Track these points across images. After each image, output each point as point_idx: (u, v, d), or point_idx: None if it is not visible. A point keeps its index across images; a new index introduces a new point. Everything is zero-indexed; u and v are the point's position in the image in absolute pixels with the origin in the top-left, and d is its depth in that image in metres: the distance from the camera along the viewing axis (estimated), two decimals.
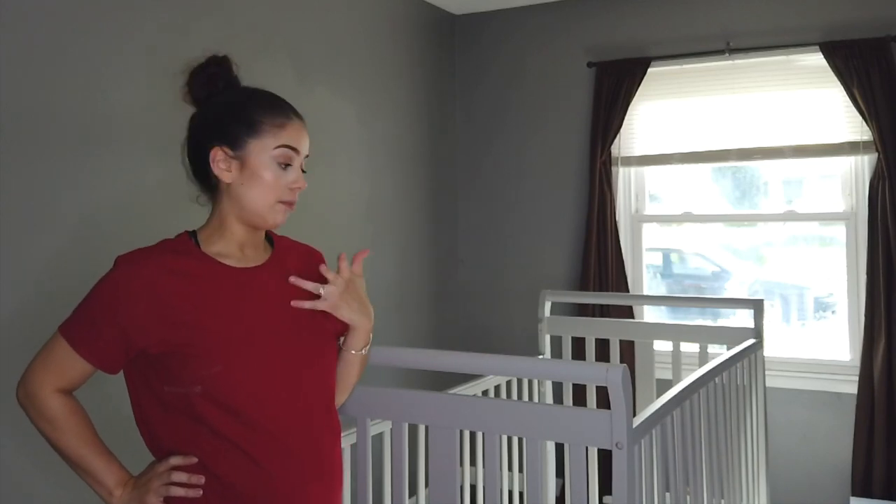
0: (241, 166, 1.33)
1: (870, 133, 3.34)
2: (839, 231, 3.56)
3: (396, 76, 3.78)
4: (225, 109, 1.36)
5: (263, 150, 1.33)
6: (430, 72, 4.05)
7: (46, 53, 2.14)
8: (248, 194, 1.34)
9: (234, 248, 1.37)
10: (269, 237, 1.48)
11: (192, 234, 1.38)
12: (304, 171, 1.40)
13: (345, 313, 1.41)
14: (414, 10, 3.93)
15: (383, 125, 3.67)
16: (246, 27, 2.81)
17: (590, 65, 3.89)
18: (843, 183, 3.54)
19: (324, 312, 1.41)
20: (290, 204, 1.37)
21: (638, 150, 3.87)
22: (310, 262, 1.48)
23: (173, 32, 2.51)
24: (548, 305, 3.28)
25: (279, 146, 1.33)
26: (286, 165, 1.35)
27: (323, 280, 1.41)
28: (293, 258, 1.47)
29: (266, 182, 1.33)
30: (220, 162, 1.33)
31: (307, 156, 1.40)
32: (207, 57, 1.40)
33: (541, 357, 3.19)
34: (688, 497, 1.98)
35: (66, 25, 2.19)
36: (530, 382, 3.05)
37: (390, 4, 3.75)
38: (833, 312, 3.64)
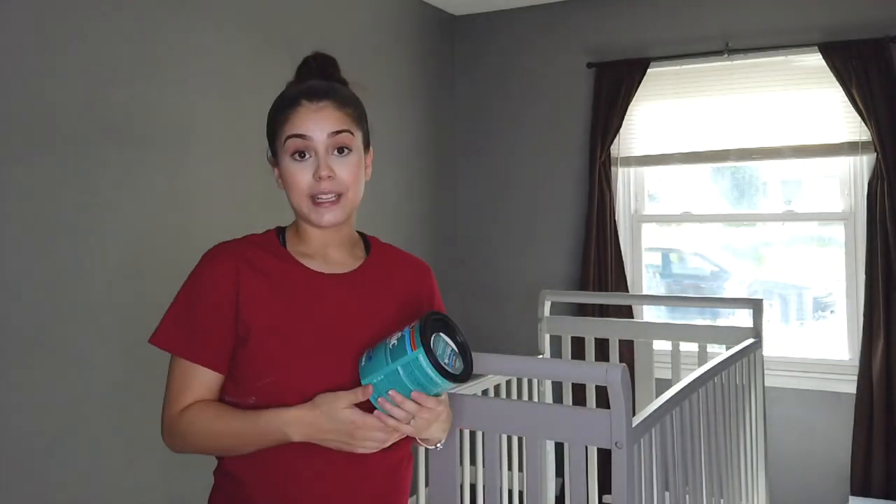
0: (278, 172, 1.28)
1: (868, 133, 3.34)
2: (838, 231, 3.57)
3: (396, 76, 3.79)
4: (270, 113, 1.31)
5: (280, 148, 1.26)
6: (430, 72, 4.06)
7: (47, 52, 2.14)
8: (288, 198, 1.27)
9: (317, 248, 1.30)
10: (367, 241, 1.40)
11: (280, 232, 1.33)
12: (344, 152, 1.24)
13: (431, 434, 1.26)
14: (414, 11, 3.94)
15: (383, 125, 3.68)
16: (246, 27, 2.81)
17: (589, 65, 3.89)
18: (841, 183, 3.55)
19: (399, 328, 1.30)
20: (327, 200, 1.23)
21: (637, 151, 3.88)
22: (415, 277, 1.40)
23: (173, 32, 2.52)
24: (547, 305, 3.28)
25: (286, 139, 1.24)
26: (301, 155, 1.24)
27: (427, 292, 1.38)
28: (391, 270, 1.37)
29: (292, 181, 1.25)
30: (273, 170, 1.31)
31: (337, 132, 1.24)
32: (314, 53, 1.34)
33: (540, 357, 3.20)
34: (687, 496, 1.98)
35: (67, 25, 2.20)
36: (530, 382, 3.06)
37: (390, 4, 3.75)
38: (832, 312, 3.65)
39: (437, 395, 1.21)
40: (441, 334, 1.20)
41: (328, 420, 1.17)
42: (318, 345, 1.23)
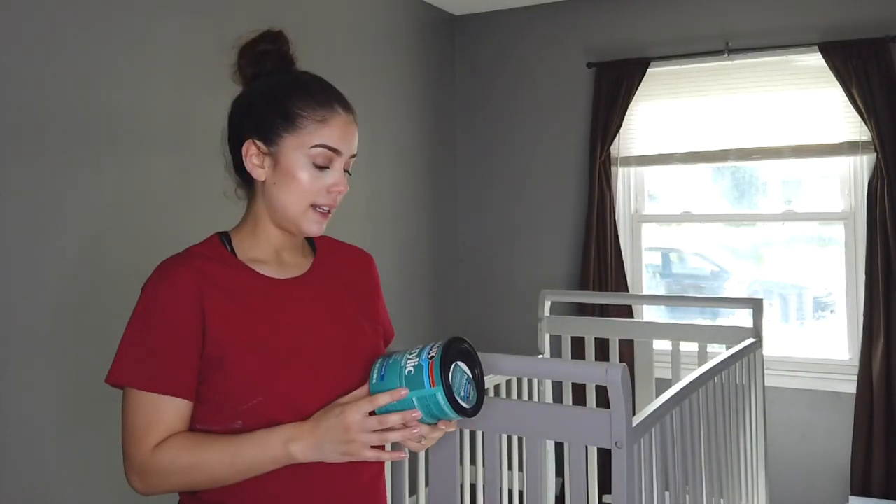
0: (274, 163, 1.17)
1: (868, 133, 3.34)
2: (838, 231, 3.57)
3: (396, 76, 3.79)
4: (262, 97, 1.20)
5: (299, 147, 1.16)
6: (430, 72, 4.06)
7: (46, 53, 2.14)
8: (280, 196, 1.17)
9: (270, 253, 1.22)
10: (310, 238, 1.32)
11: (224, 238, 1.23)
12: (348, 174, 1.21)
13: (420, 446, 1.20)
14: (414, 10, 3.94)
15: (383, 125, 3.68)
16: (246, 27, 2.81)
17: (589, 65, 3.89)
18: (841, 183, 3.55)
19: (373, 327, 1.29)
20: (326, 211, 1.20)
21: (637, 150, 3.88)
22: (363, 268, 1.35)
23: (173, 32, 2.52)
24: (547, 305, 3.28)
25: (317, 145, 1.16)
26: (323, 168, 1.17)
27: (375, 284, 1.35)
28: (341, 264, 1.31)
29: (300, 184, 1.16)
30: (253, 157, 1.18)
31: (354, 155, 1.22)
32: (260, 32, 1.25)
33: (540, 356, 3.20)
34: (687, 496, 1.98)
35: (67, 24, 2.20)
36: (530, 382, 3.06)
37: (390, 4, 3.75)
38: (832, 312, 3.65)
39: None
40: (459, 363, 1.16)
41: (324, 422, 1.10)
42: (293, 356, 1.16)
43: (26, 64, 2.08)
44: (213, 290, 1.14)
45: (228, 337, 1.13)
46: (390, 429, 1.10)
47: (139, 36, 2.40)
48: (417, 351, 1.14)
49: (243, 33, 1.26)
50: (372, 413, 1.10)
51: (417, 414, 1.10)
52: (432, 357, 1.12)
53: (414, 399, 1.10)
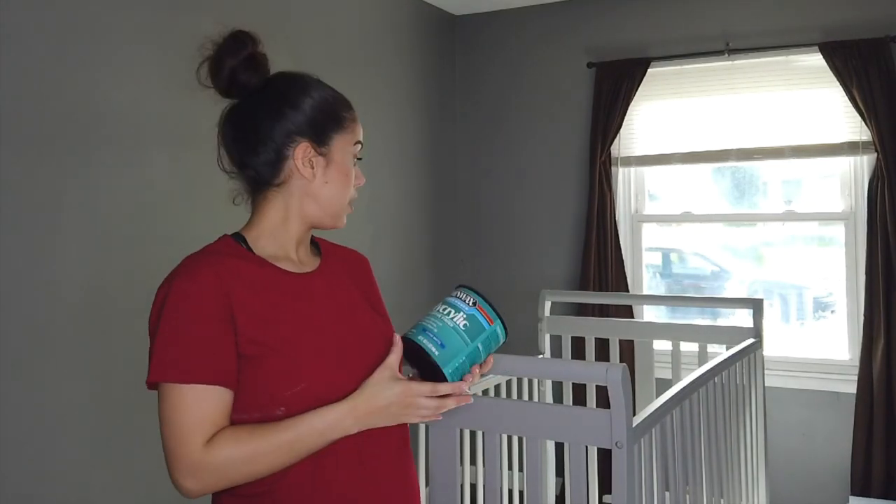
0: (326, 163, 1.24)
1: (869, 133, 3.34)
2: (838, 231, 3.57)
3: (396, 76, 3.79)
4: (310, 102, 1.24)
5: (346, 145, 1.27)
6: (430, 72, 4.06)
7: (46, 53, 2.14)
8: (331, 193, 1.26)
9: (288, 250, 1.26)
10: (312, 239, 1.38)
11: (239, 238, 1.25)
12: None
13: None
14: (414, 10, 3.94)
15: (383, 125, 3.68)
16: (245, 27, 2.81)
17: (590, 65, 3.89)
18: (842, 183, 3.55)
19: (383, 318, 1.35)
20: (353, 205, 1.32)
21: (638, 150, 3.88)
22: (361, 268, 1.42)
23: (173, 30, 2.52)
24: (548, 305, 3.28)
25: (357, 142, 1.29)
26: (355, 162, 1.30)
27: (372, 281, 1.41)
28: (342, 262, 1.38)
29: (349, 180, 1.28)
30: (309, 157, 1.23)
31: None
32: (230, 38, 1.27)
33: (541, 356, 3.20)
34: (687, 496, 1.98)
35: (65, 24, 2.20)
36: (530, 382, 3.06)
37: (390, 4, 3.75)
38: (832, 312, 3.65)
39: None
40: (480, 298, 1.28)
41: (383, 398, 1.18)
42: (326, 341, 1.21)
43: (24, 64, 2.08)
44: (238, 284, 1.15)
45: (260, 329, 1.15)
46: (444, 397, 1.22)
47: (138, 35, 2.40)
48: (444, 310, 1.24)
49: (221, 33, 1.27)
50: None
51: (468, 392, 1.25)
52: (475, 303, 1.24)
53: (480, 345, 1.23)
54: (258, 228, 1.25)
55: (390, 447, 1.27)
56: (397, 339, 1.24)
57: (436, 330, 1.21)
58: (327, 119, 1.25)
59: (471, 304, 1.23)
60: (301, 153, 1.22)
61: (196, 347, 1.10)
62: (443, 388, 1.20)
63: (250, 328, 1.14)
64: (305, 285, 1.25)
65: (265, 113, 1.23)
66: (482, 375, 1.32)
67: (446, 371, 1.20)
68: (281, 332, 1.16)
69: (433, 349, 1.20)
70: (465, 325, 1.21)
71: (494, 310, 1.24)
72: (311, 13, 3.19)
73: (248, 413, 1.14)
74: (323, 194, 1.25)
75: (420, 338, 1.21)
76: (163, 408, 1.10)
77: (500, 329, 1.24)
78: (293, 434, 1.12)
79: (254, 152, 1.23)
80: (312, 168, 1.23)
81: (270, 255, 1.24)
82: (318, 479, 1.18)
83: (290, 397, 1.14)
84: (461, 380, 1.22)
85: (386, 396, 1.18)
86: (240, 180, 1.27)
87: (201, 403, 1.09)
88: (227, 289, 1.14)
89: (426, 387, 1.20)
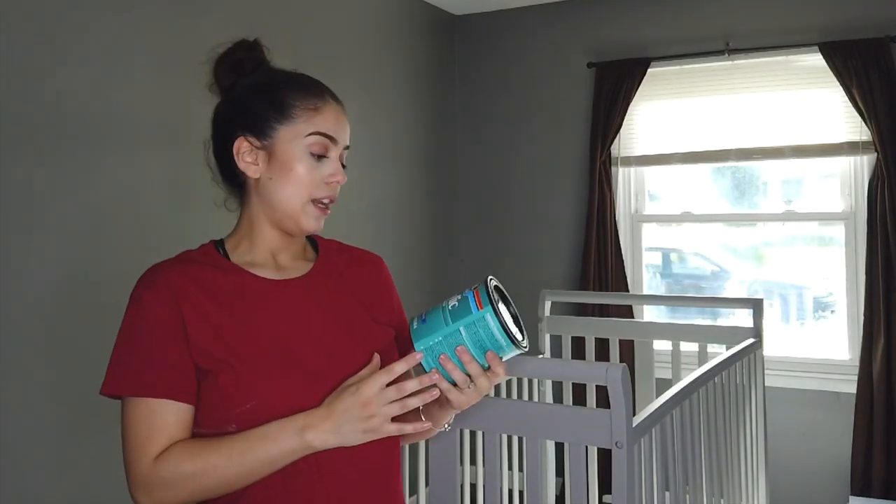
0: (268, 157, 1.14)
1: (869, 133, 3.34)
2: (838, 231, 3.57)
3: (396, 76, 3.79)
4: (249, 92, 1.17)
5: (295, 137, 1.14)
6: (430, 72, 4.06)
7: (42, 52, 2.14)
8: (278, 190, 1.14)
9: (266, 256, 1.18)
10: (314, 241, 1.28)
11: (219, 244, 1.20)
12: (343, 166, 1.19)
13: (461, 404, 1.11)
14: (414, 10, 3.94)
15: (383, 125, 3.68)
16: (246, 27, 2.81)
17: (590, 65, 3.89)
18: (842, 183, 3.55)
19: (382, 329, 1.22)
20: (325, 205, 1.17)
21: (638, 150, 3.88)
22: (370, 271, 1.30)
23: (173, 32, 2.52)
24: (548, 305, 3.28)
25: (312, 133, 1.14)
26: (321, 157, 1.15)
27: (385, 285, 1.28)
28: (346, 267, 1.27)
29: (298, 175, 1.14)
30: (246, 154, 1.15)
31: (347, 147, 1.20)
32: (234, 42, 1.21)
33: (541, 356, 3.20)
34: (687, 496, 1.98)
35: (62, 24, 2.20)
36: (530, 382, 3.06)
37: (390, 4, 3.75)
38: (832, 312, 3.65)
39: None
40: (500, 302, 1.09)
41: (341, 403, 1.05)
42: (287, 358, 1.11)
43: (22, 64, 2.08)
44: (198, 294, 1.10)
45: (213, 341, 1.09)
46: (410, 395, 1.05)
47: (134, 36, 2.40)
48: (458, 295, 1.10)
49: (224, 41, 1.23)
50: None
51: (437, 377, 1.05)
52: (474, 287, 1.08)
53: (462, 329, 1.05)
54: (237, 234, 1.21)
55: (368, 469, 1.15)
56: (376, 355, 1.13)
57: (429, 308, 1.10)
58: (267, 108, 1.15)
59: (472, 288, 1.09)
60: (238, 148, 1.15)
61: (147, 360, 1.07)
62: (396, 367, 1.05)
63: (203, 340, 1.08)
64: (278, 294, 1.15)
65: (217, 112, 1.21)
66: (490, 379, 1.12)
67: (417, 346, 1.06)
68: (234, 346, 1.09)
69: (414, 323, 1.08)
70: (453, 306, 1.07)
71: (491, 298, 1.05)
72: (311, 13, 3.19)
73: (204, 428, 1.09)
74: (272, 192, 1.15)
75: (413, 315, 1.12)
76: (122, 419, 1.08)
77: (491, 318, 1.03)
78: (241, 448, 1.04)
79: (218, 153, 1.20)
80: (257, 164, 1.15)
81: (247, 262, 1.17)
82: (278, 498, 1.09)
83: (240, 415, 1.06)
84: (438, 364, 1.05)
85: (343, 399, 1.05)
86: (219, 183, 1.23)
87: (152, 417, 1.06)
88: (180, 299, 1.08)
89: (380, 376, 1.04)
